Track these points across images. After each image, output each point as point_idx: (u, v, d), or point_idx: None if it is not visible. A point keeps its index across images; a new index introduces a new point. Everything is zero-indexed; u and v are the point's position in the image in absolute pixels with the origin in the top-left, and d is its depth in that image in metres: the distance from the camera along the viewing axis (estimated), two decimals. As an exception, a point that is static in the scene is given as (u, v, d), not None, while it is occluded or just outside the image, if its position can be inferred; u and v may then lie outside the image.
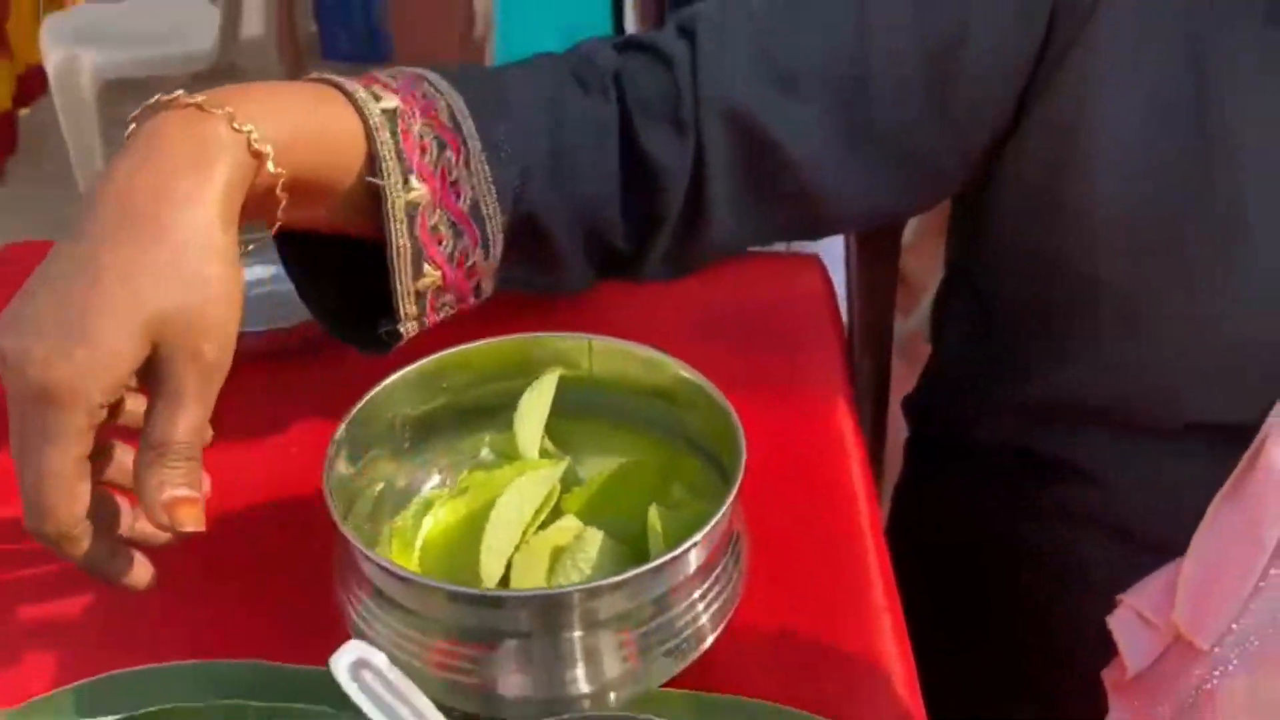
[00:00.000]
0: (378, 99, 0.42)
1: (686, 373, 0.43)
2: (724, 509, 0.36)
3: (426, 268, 0.43)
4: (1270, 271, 0.50)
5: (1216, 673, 0.50)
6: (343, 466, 0.40)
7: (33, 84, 2.49)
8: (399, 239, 0.42)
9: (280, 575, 0.46)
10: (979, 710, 0.36)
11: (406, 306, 0.43)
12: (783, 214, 0.55)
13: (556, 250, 0.49)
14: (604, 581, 0.34)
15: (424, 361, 0.44)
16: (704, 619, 0.38)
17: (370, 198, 0.42)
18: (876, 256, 0.75)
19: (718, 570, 0.38)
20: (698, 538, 0.35)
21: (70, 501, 0.34)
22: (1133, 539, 0.54)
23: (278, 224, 0.41)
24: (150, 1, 2.37)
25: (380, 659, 0.33)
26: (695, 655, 0.38)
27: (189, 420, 0.35)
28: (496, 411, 0.45)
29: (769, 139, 0.52)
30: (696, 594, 0.37)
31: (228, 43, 2.13)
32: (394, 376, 0.43)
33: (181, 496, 0.35)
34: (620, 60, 0.52)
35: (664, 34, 0.53)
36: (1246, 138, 0.49)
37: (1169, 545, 0.51)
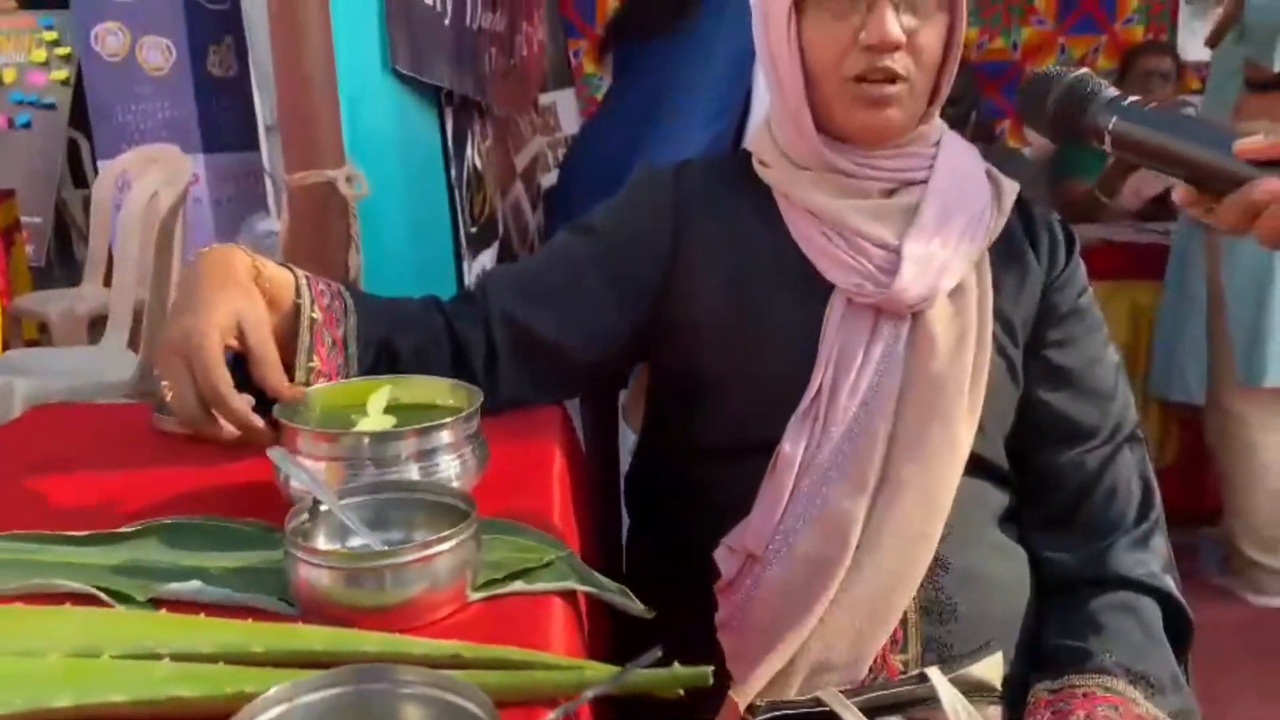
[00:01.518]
0: (307, 278, 0.91)
1: (458, 385, 0.87)
2: (461, 416, 0.79)
3: (314, 357, 0.88)
4: (777, 355, 0.98)
5: (767, 570, 0.92)
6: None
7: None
8: (305, 331, 0.88)
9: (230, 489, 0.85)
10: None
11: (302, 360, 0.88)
12: (546, 373, 1.03)
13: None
14: (404, 429, 0.77)
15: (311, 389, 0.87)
16: (460, 469, 0.79)
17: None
18: (601, 410, 1.22)
19: (464, 449, 0.80)
20: (444, 420, 0.78)
21: (224, 375, 0.76)
22: (738, 513, 0.97)
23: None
24: (77, 350, 2.83)
25: (293, 458, 0.73)
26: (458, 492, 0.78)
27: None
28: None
29: (527, 329, 1.01)
30: (451, 455, 0.79)
31: (145, 377, 2.56)
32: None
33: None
34: (450, 303, 1.02)
35: (471, 288, 1.06)
36: (759, 291, 1.00)
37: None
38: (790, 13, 0.98)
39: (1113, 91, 0.77)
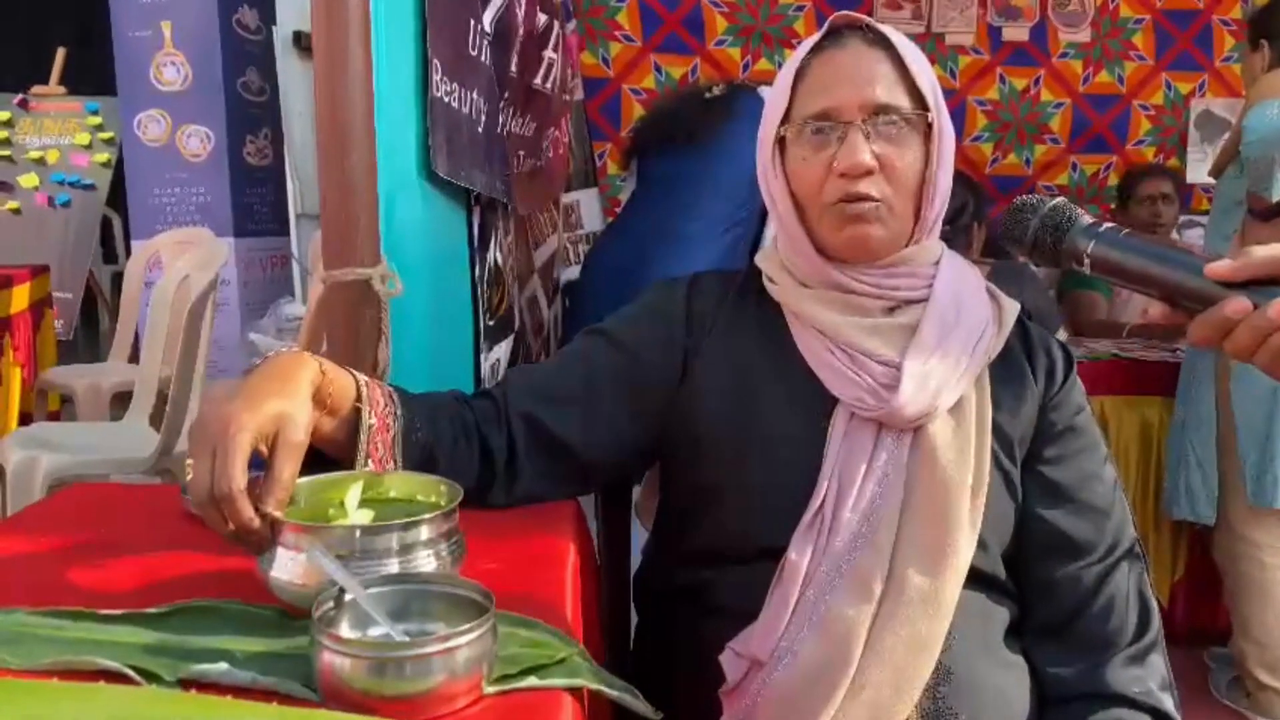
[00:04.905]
0: (366, 385, 0.95)
1: (436, 480, 0.90)
2: (439, 513, 0.82)
3: (369, 459, 0.93)
4: (782, 466, 1.02)
5: (772, 675, 0.94)
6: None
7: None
8: (363, 436, 0.92)
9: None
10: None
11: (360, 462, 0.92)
12: (562, 471, 1.07)
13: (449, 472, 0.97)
14: (382, 524, 0.80)
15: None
16: (436, 565, 0.81)
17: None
18: (613, 507, 1.25)
19: (441, 544, 0.82)
20: (425, 516, 0.81)
21: (242, 476, 0.76)
22: (743, 617, 0.99)
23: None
24: (99, 425, 2.88)
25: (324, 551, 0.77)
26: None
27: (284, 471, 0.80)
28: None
29: (546, 428, 1.05)
30: (429, 550, 0.81)
31: (163, 456, 2.61)
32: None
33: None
34: (475, 400, 1.06)
35: (493, 388, 1.09)
36: (765, 403, 1.04)
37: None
38: (774, 147, 1.05)
39: (1089, 218, 0.82)
